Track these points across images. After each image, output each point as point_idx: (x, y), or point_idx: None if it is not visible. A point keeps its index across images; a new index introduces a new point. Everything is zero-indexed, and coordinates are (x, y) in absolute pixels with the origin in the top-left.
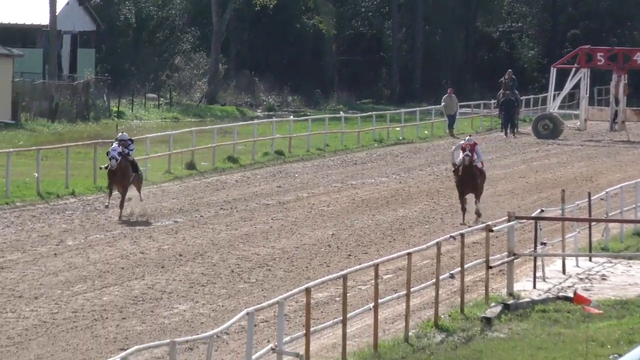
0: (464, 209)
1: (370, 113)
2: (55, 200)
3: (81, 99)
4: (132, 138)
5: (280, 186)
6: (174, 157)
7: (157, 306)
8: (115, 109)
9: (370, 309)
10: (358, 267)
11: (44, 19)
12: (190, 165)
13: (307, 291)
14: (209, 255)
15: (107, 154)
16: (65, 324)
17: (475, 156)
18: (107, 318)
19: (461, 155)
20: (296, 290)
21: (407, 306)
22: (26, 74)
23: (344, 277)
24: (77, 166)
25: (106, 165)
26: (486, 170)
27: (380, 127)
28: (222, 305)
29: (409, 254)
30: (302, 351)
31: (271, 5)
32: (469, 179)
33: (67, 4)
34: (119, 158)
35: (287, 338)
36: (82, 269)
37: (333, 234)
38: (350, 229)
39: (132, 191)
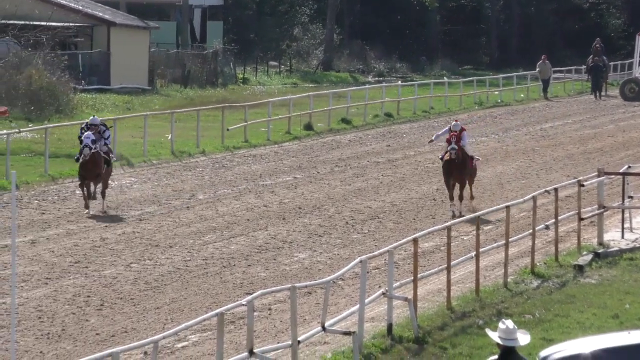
0: (450, 197)
1: (471, 78)
2: (187, 159)
3: (210, 66)
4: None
5: (389, 145)
6: (294, 119)
7: (279, 254)
8: (240, 75)
9: (472, 257)
10: (461, 219)
11: None
12: (308, 127)
13: (415, 241)
14: (325, 208)
15: (80, 140)
16: (196, 271)
17: (462, 143)
18: (234, 265)
19: (448, 146)
20: (404, 240)
21: (506, 254)
22: (161, 45)
23: (448, 228)
24: (207, 128)
25: (77, 156)
26: (574, 130)
27: (480, 91)
28: (337, 254)
29: (508, 207)
30: (410, 295)
31: None
32: (457, 166)
33: None
34: (93, 147)
35: (397, 284)
36: (211, 220)
37: (437, 189)
38: None
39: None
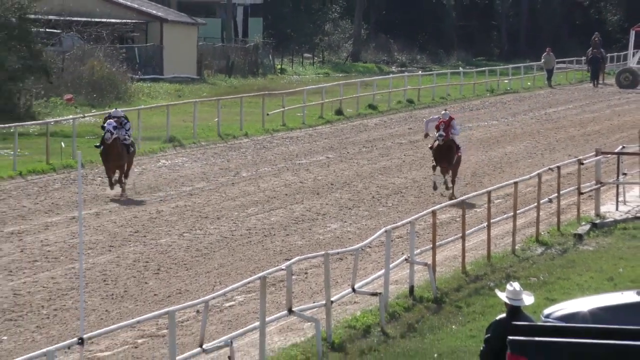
0: (436, 182)
1: (483, 68)
2: (232, 140)
3: (251, 58)
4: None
5: (410, 128)
6: (326, 105)
7: (314, 225)
8: (279, 66)
9: (484, 227)
10: (474, 193)
11: None
12: (338, 112)
13: (434, 213)
14: (354, 184)
15: (102, 127)
16: (241, 239)
17: (452, 130)
18: (274, 234)
19: (436, 133)
20: (424, 212)
21: (514, 225)
22: (208, 39)
23: (463, 202)
24: (249, 113)
25: (98, 143)
26: (575, 115)
27: (491, 80)
28: (365, 224)
29: (516, 183)
30: (429, 261)
31: None
32: (444, 152)
33: None
34: (114, 132)
35: (417, 251)
36: (254, 195)
37: None
38: (468, 163)
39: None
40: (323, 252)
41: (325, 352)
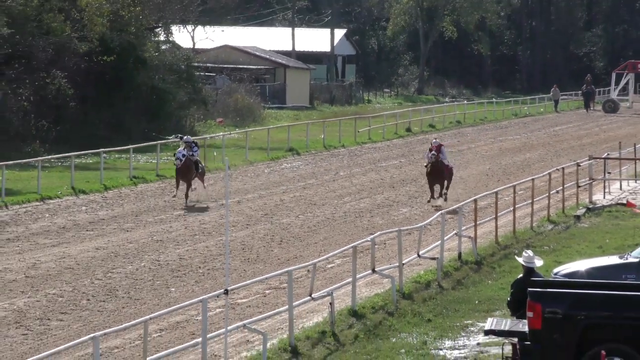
0: (432, 196)
1: (509, 99)
2: (333, 150)
3: (347, 92)
4: (195, 140)
5: (458, 141)
6: (399, 124)
7: (390, 209)
8: (366, 98)
9: (511, 211)
10: (503, 187)
11: (327, 47)
12: (408, 129)
13: (475, 201)
14: (419, 180)
15: (174, 155)
16: (339, 219)
17: (440, 155)
18: (362, 216)
19: (429, 153)
20: (469, 199)
21: (532, 209)
22: (317, 79)
23: (496, 193)
24: (345, 130)
25: (175, 163)
26: (574, 131)
27: (515, 107)
28: (427, 209)
29: (533, 179)
30: (472, 234)
31: (454, 37)
32: (436, 172)
33: (340, 39)
34: (183, 159)
35: (464, 227)
36: (348, 188)
37: (489, 168)
38: (499, 165)
39: (196, 183)
40: (397, 229)
41: (399, 300)
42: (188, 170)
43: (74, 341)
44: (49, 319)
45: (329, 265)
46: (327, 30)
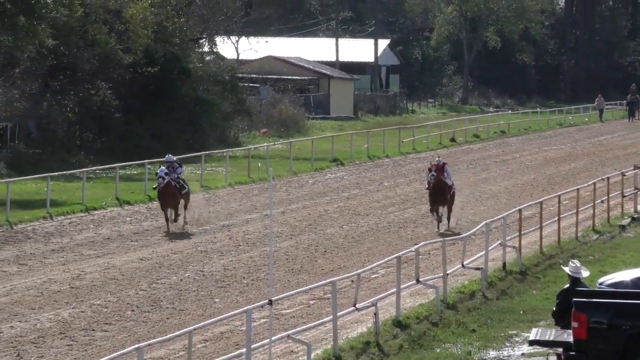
0: (438, 220)
1: (554, 109)
2: (377, 160)
3: (391, 102)
4: (178, 161)
5: (503, 150)
6: (443, 135)
7: (434, 220)
8: (410, 108)
9: (556, 220)
10: (547, 196)
11: (370, 58)
12: (452, 139)
13: (520, 210)
14: (463, 190)
15: (156, 174)
16: (383, 230)
17: (444, 174)
18: (406, 226)
19: (429, 174)
20: (513, 209)
21: (577, 218)
22: (361, 89)
23: (541, 203)
24: (389, 140)
25: (155, 185)
26: (619, 141)
27: (559, 117)
28: (471, 219)
29: (578, 189)
30: (516, 244)
31: (497, 47)
32: (437, 193)
33: (384, 49)
34: (166, 178)
35: (508, 237)
36: (392, 198)
37: (534, 178)
38: (544, 175)
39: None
40: (441, 239)
41: (443, 310)
42: (171, 194)
43: (118, 352)
44: (93, 330)
45: (373, 276)
46: (371, 41)
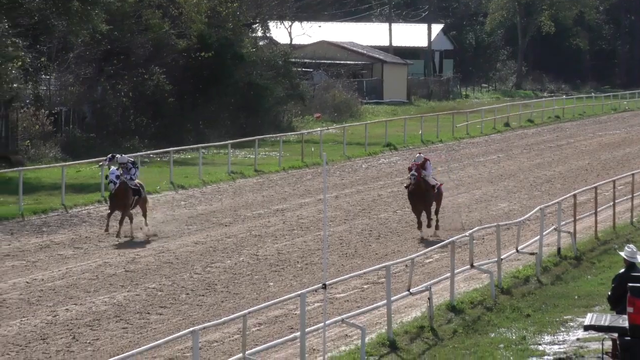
0: (419, 223)
1: (608, 94)
2: (431, 145)
3: (445, 87)
4: (133, 160)
5: (557, 136)
6: (497, 120)
7: (489, 204)
8: (464, 93)
9: (611, 206)
10: (602, 182)
11: (423, 43)
12: (506, 124)
13: (574, 196)
14: (517, 175)
15: (106, 177)
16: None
17: (423, 172)
18: (460, 211)
19: (409, 173)
20: (568, 195)
21: (632, 203)
22: (414, 74)
23: (595, 188)
24: (443, 125)
25: (110, 192)
26: None
27: (614, 102)
28: (525, 204)
29: (633, 175)
30: (571, 229)
31: (551, 32)
32: (419, 194)
33: (437, 34)
34: (117, 182)
35: (563, 222)
36: (446, 183)
37: (588, 163)
38: (598, 160)
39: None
40: (495, 224)
41: (497, 295)
42: (123, 196)
43: (173, 335)
44: (148, 313)
45: (427, 260)
46: (424, 26)
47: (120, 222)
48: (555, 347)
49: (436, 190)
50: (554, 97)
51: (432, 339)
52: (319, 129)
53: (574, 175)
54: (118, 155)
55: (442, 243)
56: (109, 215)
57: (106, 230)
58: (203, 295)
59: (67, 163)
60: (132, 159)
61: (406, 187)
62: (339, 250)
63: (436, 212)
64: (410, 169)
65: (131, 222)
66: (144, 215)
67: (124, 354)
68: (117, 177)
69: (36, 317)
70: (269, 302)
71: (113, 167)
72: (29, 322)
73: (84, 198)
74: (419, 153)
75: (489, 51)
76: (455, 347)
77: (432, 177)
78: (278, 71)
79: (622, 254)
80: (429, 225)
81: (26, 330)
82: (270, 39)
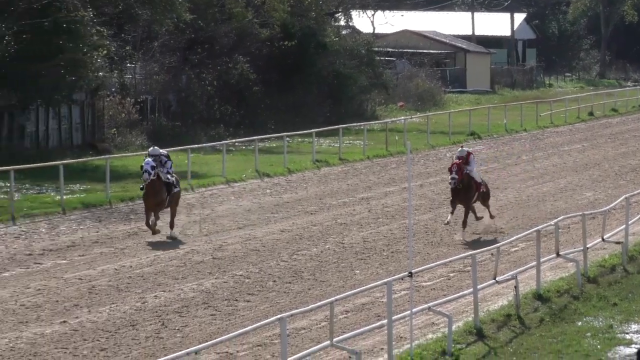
0: (451, 214)
1: None
2: (514, 134)
3: (528, 76)
4: (167, 153)
5: None
6: (581, 109)
7: (574, 193)
8: (547, 82)
9: None
10: None
11: (506, 32)
12: (590, 113)
13: (627, 199)
14: (602, 164)
15: (141, 167)
16: (522, 203)
17: (466, 168)
18: (545, 200)
19: (448, 176)
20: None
21: None
22: (497, 63)
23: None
24: (526, 114)
25: (142, 185)
26: None
27: None
28: (610, 193)
29: None
30: (622, 239)
31: (634, 21)
32: (462, 191)
33: (520, 23)
34: (152, 172)
35: (612, 233)
36: (530, 172)
37: None
38: None
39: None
40: (580, 213)
41: (583, 283)
42: (155, 193)
43: (261, 322)
44: (236, 300)
45: (513, 249)
46: (507, 15)
47: (148, 223)
48: None
49: (483, 189)
50: (638, 87)
51: (519, 327)
52: (402, 117)
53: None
54: (150, 148)
55: (527, 232)
56: (147, 217)
57: (150, 228)
58: (290, 283)
59: None
60: (166, 153)
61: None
62: (424, 239)
63: (487, 205)
64: (450, 171)
65: (156, 220)
66: (172, 215)
67: (213, 341)
68: (153, 167)
69: (125, 304)
70: (355, 290)
71: (149, 158)
72: (118, 308)
73: None
74: (462, 146)
75: (571, 40)
76: (542, 336)
77: (479, 176)
78: (361, 60)
79: None
80: (464, 224)
81: (115, 317)
82: (353, 28)
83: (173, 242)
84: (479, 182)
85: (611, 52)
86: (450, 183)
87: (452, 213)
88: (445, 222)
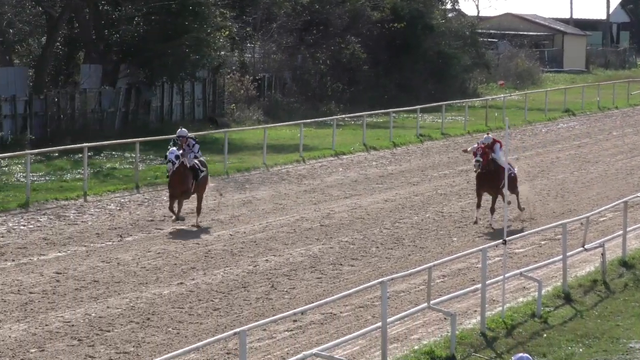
0: (478, 204)
1: None
2: (607, 111)
3: (621, 57)
4: (194, 137)
5: None
6: None
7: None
8: (638, 62)
9: None
10: None
11: (602, 15)
12: None
13: None
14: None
15: (165, 157)
16: (611, 176)
17: (492, 155)
18: (634, 173)
19: (473, 159)
20: None
21: None
22: (593, 45)
23: None
24: (619, 93)
25: (167, 174)
26: None
27: None
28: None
29: None
30: None
31: None
32: (487, 178)
33: (615, 7)
34: (176, 162)
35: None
36: (620, 147)
37: None
38: None
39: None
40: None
41: None
42: (181, 181)
43: (363, 285)
44: (341, 264)
45: (601, 219)
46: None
47: (172, 210)
48: None
49: (511, 174)
50: None
51: (605, 292)
52: (502, 95)
53: None
54: (179, 130)
55: (615, 202)
56: (171, 202)
57: (174, 214)
58: (392, 249)
59: (269, 125)
60: (194, 136)
61: (475, 171)
62: (517, 210)
63: (516, 194)
64: (475, 154)
65: (179, 209)
66: (199, 200)
67: (318, 302)
68: (177, 157)
69: (238, 267)
70: (452, 256)
71: (173, 147)
72: (231, 271)
73: (284, 158)
74: (487, 134)
75: None
76: (626, 300)
77: (508, 163)
78: (465, 41)
79: None
80: (492, 210)
81: (229, 279)
82: (459, 11)
83: (285, 210)
84: (506, 168)
85: None
86: (474, 166)
87: (478, 206)
88: (473, 221)
